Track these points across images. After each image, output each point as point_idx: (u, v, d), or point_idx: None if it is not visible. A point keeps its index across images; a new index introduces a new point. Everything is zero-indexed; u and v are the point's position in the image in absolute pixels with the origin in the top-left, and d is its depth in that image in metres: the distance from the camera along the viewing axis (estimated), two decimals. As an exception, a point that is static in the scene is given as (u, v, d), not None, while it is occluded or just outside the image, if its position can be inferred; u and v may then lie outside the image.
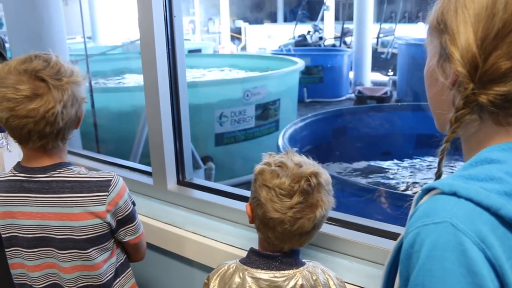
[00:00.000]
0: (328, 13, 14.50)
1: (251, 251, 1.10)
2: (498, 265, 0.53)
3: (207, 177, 4.11)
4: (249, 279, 1.05)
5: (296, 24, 11.95)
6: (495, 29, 0.58)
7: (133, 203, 1.21)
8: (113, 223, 1.14)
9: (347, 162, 4.72)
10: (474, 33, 0.59)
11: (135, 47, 6.03)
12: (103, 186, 1.11)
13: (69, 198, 1.09)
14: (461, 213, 0.55)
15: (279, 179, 1.01)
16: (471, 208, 0.55)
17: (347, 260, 1.30)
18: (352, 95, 8.11)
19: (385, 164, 4.75)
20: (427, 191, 0.62)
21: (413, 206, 0.64)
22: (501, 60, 0.58)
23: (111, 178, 1.13)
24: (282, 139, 3.81)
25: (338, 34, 11.80)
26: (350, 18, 10.16)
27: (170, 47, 1.66)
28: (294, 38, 11.59)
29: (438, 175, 0.69)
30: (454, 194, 0.57)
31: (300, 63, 5.97)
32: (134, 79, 6.17)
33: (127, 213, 1.18)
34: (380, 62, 10.02)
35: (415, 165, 4.69)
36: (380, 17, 11.33)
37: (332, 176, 1.12)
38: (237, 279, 1.06)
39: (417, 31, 12.74)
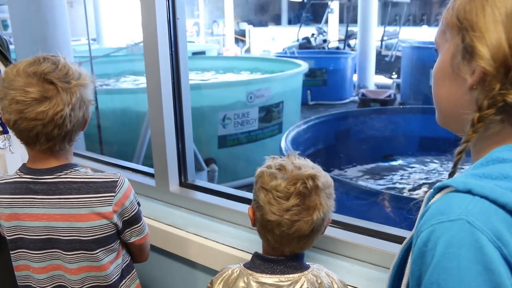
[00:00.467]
0: (332, 16, 14.50)
1: (255, 255, 1.09)
2: None
3: (210, 179, 4.12)
4: (254, 284, 1.04)
5: (300, 27, 11.97)
6: None
7: (138, 204, 1.22)
8: (120, 224, 1.15)
9: (350, 165, 4.72)
10: (506, 32, 0.58)
11: (139, 49, 6.05)
12: (110, 187, 1.11)
13: (76, 199, 1.09)
14: (476, 210, 0.54)
15: (275, 181, 1.02)
16: (487, 205, 0.55)
17: (348, 262, 1.30)
18: (356, 98, 8.11)
19: (388, 166, 4.74)
20: (439, 189, 0.61)
21: (424, 204, 0.63)
22: None
23: (117, 179, 1.13)
24: (285, 141, 3.81)
25: (342, 37, 11.80)
26: (354, 21, 10.16)
27: (173, 49, 1.66)
28: (298, 40, 11.61)
29: (452, 176, 0.68)
30: (468, 191, 0.56)
31: (304, 66, 5.97)
32: (136, 81, 6.19)
33: (133, 213, 1.18)
34: (384, 65, 10.01)
35: (418, 168, 4.68)
36: (384, 20, 11.33)
37: (334, 179, 1.12)
38: (241, 284, 1.06)
39: (422, 34, 12.73)
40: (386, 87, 8.57)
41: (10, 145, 1.42)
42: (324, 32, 12.10)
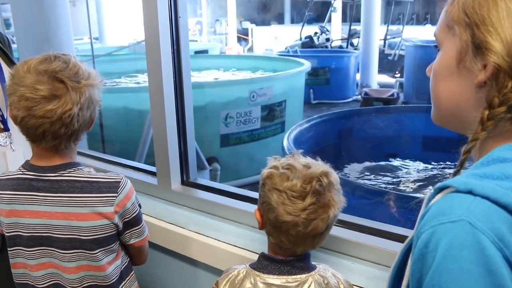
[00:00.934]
0: (335, 15, 14.48)
1: (262, 256, 1.08)
2: None
3: (213, 178, 4.12)
4: (261, 285, 1.03)
5: (303, 26, 11.95)
6: None
7: (139, 206, 1.22)
8: (120, 225, 1.15)
9: (352, 164, 4.71)
10: None
11: (141, 47, 6.05)
12: (112, 187, 1.11)
13: (78, 198, 1.09)
14: (478, 211, 0.53)
15: (290, 182, 1.00)
16: (488, 206, 0.54)
17: (349, 261, 1.30)
18: (359, 97, 8.09)
19: (390, 165, 4.73)
20: (439, 190, 0.60)
21: (424, 205, 0.62)
22: None
23: (120, 180, 1.13)
24: (287, 140, 3.80)
25: (345, 36, 11.79)
26: (357, 20, 10.15)
27: (175, 47, 1.66)
28: (301, 39, 11.59)
29: (456, 175, 0.68)
30: (469, 192, 0.55)
31: (307, 65, 5.97)
32: (140, 79, 6.20)
33: (134, 215, 1.18)
34: (387, 64, 9.99)
35: (421, 167, 4.67)
36: (387, 19, 11.30)
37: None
38: (248, 285, 1.05)
39: (425, 33, 12.70)
40: (389, 86, 8.56)
41: (11, 143, 1.42)
42: (327, 31, 12.08)
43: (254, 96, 4.70)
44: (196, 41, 13.46)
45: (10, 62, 1.48)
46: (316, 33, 11.68)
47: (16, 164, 1.17)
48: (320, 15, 15.95)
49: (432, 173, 4.53)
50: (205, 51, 9.18)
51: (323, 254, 1.33)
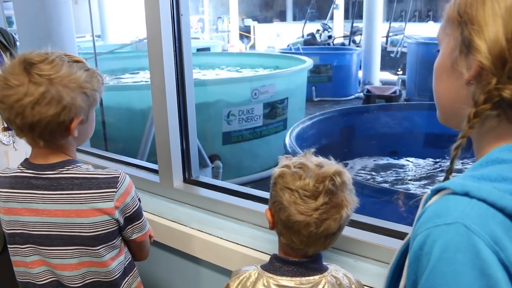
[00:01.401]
0: (338, 12, 14.45)
1: (275, 257, 1.07)
2: None
3: (215, 176, 4.12)
4: (274, 287, 1.02)
5: (305, 23, 11.94)
6: None
7: (139, 200, 1.21)
8: (121, 220, 1.15)
9: (355, 161, 4.71)
10: (504, 26, 0.57)
11: (143, 45, 6.06)
12: (111, 182, 1.11)
13: (77, 194, 1.09)
14: (474, 213, 0.53)
15: (302, 181, 0.98)
16: (484, 209, 0.53)
17: (351, 258, 1.30)
18: (361, 94, 8.08)
19: (393, 163, 4.73)
20: (436, 191, 0.60)
21: (421, 206, 0.62)
22: None
23: (119, 175, 1.13)
24: (289, 137, 3.80)
25: (348, 33, 11.77)
26: (359, 17, 10.13)
27: (177, 45, 1.66)
28: (303, 36, 11.58)
29: (450, 172, 0.68)
30: (466, 194, 0.55)
31: (309, 62, 5.95)
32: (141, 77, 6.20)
33: (134, 209, 1.18)
34: (389, 61, 9.97)
35: (423, 165, 4.66)
36: (389, 16, 11.27)
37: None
38: (261, 287, 1.03)
39: (427, 30, 12.66)
40: (391, 83, 8.54)
41: (14, 142, 1.43)
42: (329, 28, 12.05)
43: (256, 93, 4.69)
44: (198, 38, 13.46)
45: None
46: (318, 30, 11.66)
47: (18, 163, 1.17)
48: (322, 13, 15.92)
49: (434, 170, 4.52)
50: (207, 49, 9.18)
51: (325, 252, 1.33)
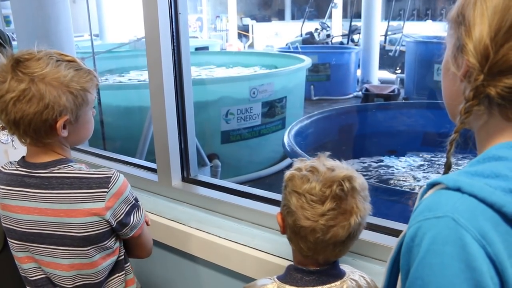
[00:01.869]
0: (336, 11, 14.45)
1: (293, 268, 1.03)
2: (498, 262, 0.53)
3: (213, 175, 4.12)
4: None
5: (303, 22, 11.93)
6: (509, 22, 0.58)
7: (135, 199, 1.19)
8: (113, 221, 1.12)
9: (353, 160, 4.71)
10: (489, 25, 0.59)
11: (142, 44, 6.05)
12: (103, 182, 1.10)
13: (68, 194, 1.08)
14: (463, 208, 0.55)
15: (309, 184, 0.95)
16: (475, 204, 0.55)
17: (350, 257, 1.30)
18: (359, 93, 8.08)
19: (391, 162, 4.73)
20: (431, 185, 0.62)
21: (417, 200, 0.64)
22: (511, 52, 0.58)
23: (111, 175, 1.11)
24: (288, 136, 3.80)
25: (346, 32, 11.76)
26: (358, 16, 10.13)
27: (175, 44, 1.66)
28: (301, 35, 11.58)
29: (448, 167, 0.69)
30: (458, 189, 0.57)
31: (307, 61, 5.95)
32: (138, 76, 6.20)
33: (127, 210, 1.15)
34: (388, 60, 9.98)
35: (421, 163, 4.66)
36: (388, 15, 11.27)
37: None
38: None
39: (426, 29, 12.66)
40: (390, 82, 8.54)
41: (13, 140, 1.42)
42: (328, 27, 12.06)
43: (254, 92, 4.69)
44: (197, 37, 13.45)
45: None
46: (316, 29, 11.67)
47: (17, 162, 1.17)
48: (320, 11, 15.91)
49: (432, 169, 4.53)
50: (206, 48, 9.17)
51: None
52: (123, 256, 1.24)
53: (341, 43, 11.53)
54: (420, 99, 6.84)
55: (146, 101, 1.84)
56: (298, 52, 8.14)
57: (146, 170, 1.92)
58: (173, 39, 1.65)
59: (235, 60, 7.51)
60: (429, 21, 16.01)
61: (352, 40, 11.14)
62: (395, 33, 10.58)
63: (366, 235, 1.30)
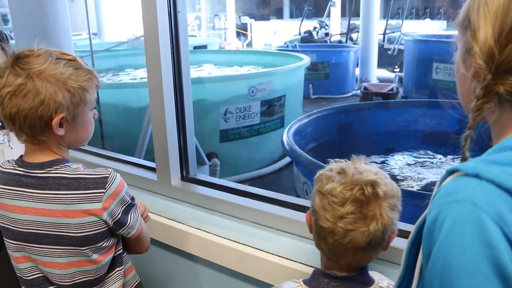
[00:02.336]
0: (335, 9, 14.45)
1: (321, 273, 1.01)
2: None
3: (212, 174, 4.12)
4: None
5: (302, 20, 11.92)
6: (510, 24, 0.62)
7: (132, 198, 1.18)
8: (110, 221, 1.12)
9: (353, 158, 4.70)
10: (492, 28, 0.63)
11: (140, 43, 6.04)
12: (100, 183, 1.09)
13: (64, 195, 1.08)
14: (482, 193, 0.59)
15: (331, 185, 0.95)
16: (492, 189, 0.59)
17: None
18: (358, 92, 8.08)
19: (390, 160, 4.74)
20: (450, 172, 0.65)
21: (436, 186, 0.67)
22: None
23: (108, 175, 1.10)
24: (287, 135, 3.79)
25: (344, 30, 11.76)
26: (356, 14, 10.12)
27: (174, 42, 1.66)
28: (300, 34, 11.57)
29: (463, 161, 0.73)
30: (477, 176, 0.60)
31: (306, 59, 5.95)
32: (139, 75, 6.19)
33: (124, 209, 1.15)
34: (387, 59, 9.98)
35: (420, 162, 4.67)
36: (387, 13, 11.28)
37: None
38: None
39: (424, 28, 12.67)
40: (389, 80, 8.54)
41: (9, 140, 1.42)
42: (326, 25, 12.05)
43: (253, 91, 4.69)
44: (195, 36, 13.43)
45: None
46: (315, 27, 11.66)
47: (14, 161, 1.17)
48: (319, 10, 15.92)
49: (431, 167, 4.53)
50: (204, 46, 9.16)
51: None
52: (121, 250, 1.24)
53: (340, 41, 11.52)
54: (419, 98, 6.84)
55: (144, 100, 1.83)
56: (297, 51, 8.13)
57: (145, 169, 1.92)
58: (172, 38, 1.65)
59: (234, 59, 7.50)
60: (428, 20, 16.01)
61: (351, 39, 11.14)
62: (393, 32, 10.59)
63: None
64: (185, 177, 1.79)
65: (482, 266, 0.56)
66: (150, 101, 1.71)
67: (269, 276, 1.38)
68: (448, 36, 8.13)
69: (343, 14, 14.71)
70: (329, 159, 1.06)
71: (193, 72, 6.43)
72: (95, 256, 1.14)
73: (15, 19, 2.44)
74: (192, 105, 1.77)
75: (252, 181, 4.55)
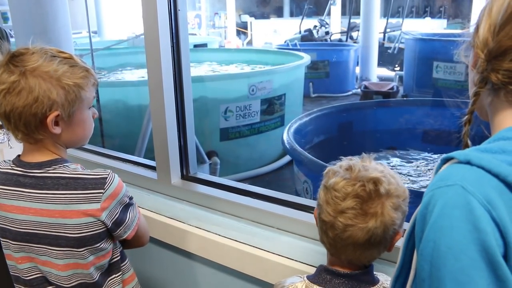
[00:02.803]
0: (335, 8, 14.44)
1: (324, 269, 1.01)
2: (502, 225, 0.59)
3: (212, 172, 4.12)
4: None
5: (302, 19, 11.91)
6: (503, 17, 0.69)
7: (130, 198, 1.18)
8: (108, 223, 1.11)
9: (352, 157, 4.70)
10: (489, 25, 0.70)
11: (140, 41, 6.03)
12: (98, 183, 1.08)
13: (63, 195, 1.07)
14: (471, 178, 0.62)
15: (334, 179, 0.96)
16: (482, 174, 0.62)
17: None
18: (358, 91, 8.07)
19: (390, 159, 4.73)
20: (445, 160, 0.68)
21: (433, 174, 0.70)
22: (505, 39, 0.68)
23: (107, 176, 1.10)
24: (287, 134, 3.79)
25: (345, 29, 11.74)
26: (357, 13, 10.12)
27: (174, 41, 1.65)
28: (300, 32, 11.55)
29: (464, 146, 0.77)
30: (468, 162, 0.64)
31: (306, 58, 5.94)
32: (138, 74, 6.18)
33: (122, 209, 1.15)
34: (387, 57, 9.97)
35: (420, 160, 4.67)
36: (387, 12, 11.26)
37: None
38: None
39: (425, 26, 12.65)
40: (389, 79, 8.53)
41: (9, 140, 1.42)
42: (327, 24, 12.04)
43: (253, 89, 4.68)
44: (195, 34, 13.42)
45: None
46: (315, 26, 11.64)
47: (13, 161, 1.16)
48: (319, 8, 15.90)
49: (432, 166, 4.53)
50: (204, 45, 9.15)
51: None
52: (119, 257, 1.24)
53: (340, 40, 11.51)
54: (419, 97, 6.84)
55: (144, 98, 1.83)
56: (297, 49, 8.12)
57: (145, 168, 1.92)
58: (172, 36, 1.64)
59: (234, 58, 7.49)
60: (428, 18, 15.99)
61: (351, 37, 11.13)
62: (394, 30, 10.58)
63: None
64: (185, 176, 1.78)
65: (469, 248, 0.58)
66: (150, 100, 1.70)
67: (269, 275, 1.38)
68: (448, 35, 8.12)
69: (343, 13, 14.69)
70: (341, 157, 1.06)
71: (193, 70, 6.41)
72: (91, 258, 1.14)
73: (15, 17, 2.43)
74: (192, 103, 1.76)
75: (252, 180, 4.54)
